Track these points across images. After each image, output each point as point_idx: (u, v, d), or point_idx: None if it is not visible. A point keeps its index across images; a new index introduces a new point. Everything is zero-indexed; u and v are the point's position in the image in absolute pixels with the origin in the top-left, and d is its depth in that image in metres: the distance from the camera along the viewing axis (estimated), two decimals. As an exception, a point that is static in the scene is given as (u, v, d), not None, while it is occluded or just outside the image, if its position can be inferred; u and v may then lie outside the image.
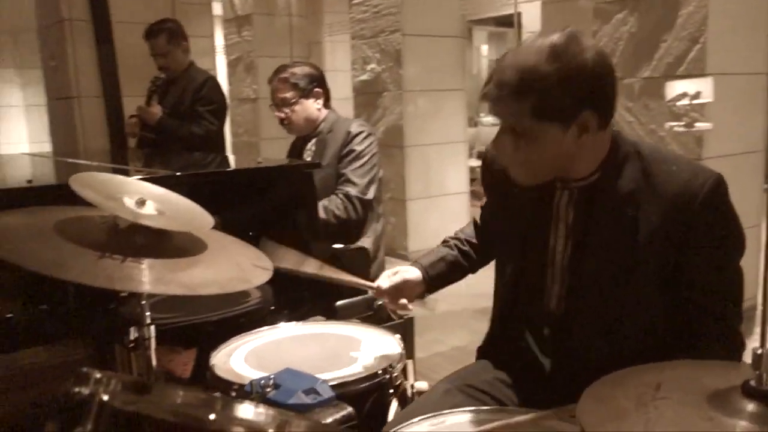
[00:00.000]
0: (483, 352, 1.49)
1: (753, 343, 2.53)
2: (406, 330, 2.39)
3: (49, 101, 4.43)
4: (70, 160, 2.63)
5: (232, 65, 7.32)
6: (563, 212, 1.31)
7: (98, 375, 0.71)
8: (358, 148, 2.55)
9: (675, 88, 3.01)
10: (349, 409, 1.18)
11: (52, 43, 4.11)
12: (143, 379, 0.75)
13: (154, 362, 1.32)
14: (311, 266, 1.50)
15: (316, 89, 2.67)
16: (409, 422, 1.11)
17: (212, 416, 0.66)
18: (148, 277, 1.13)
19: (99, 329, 1.75)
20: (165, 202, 1.33)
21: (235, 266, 1.28)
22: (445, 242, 1.64)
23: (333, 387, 1.25)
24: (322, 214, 2.47)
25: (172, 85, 3.59)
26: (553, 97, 1.15)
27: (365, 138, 2.58)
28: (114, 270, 1.11)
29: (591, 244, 1.27)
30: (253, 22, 7.05)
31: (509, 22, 8.19)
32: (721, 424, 0.65)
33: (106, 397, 0.69)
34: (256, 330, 1.64)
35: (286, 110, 2.65)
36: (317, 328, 1.68)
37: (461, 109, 5.47)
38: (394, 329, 1.67)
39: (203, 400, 0.69)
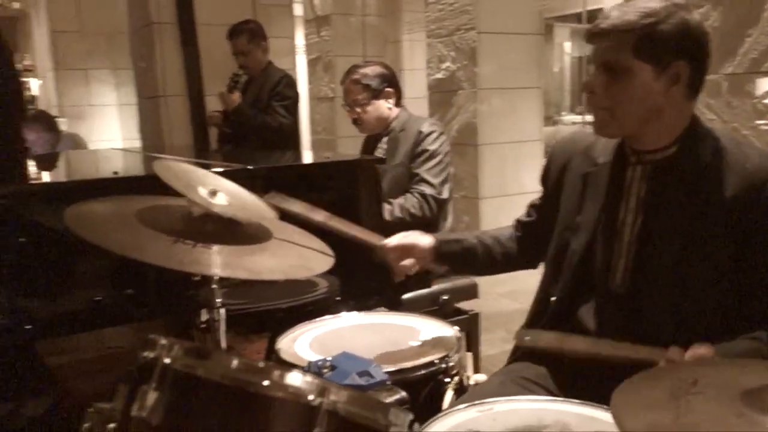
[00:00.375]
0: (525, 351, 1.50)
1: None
2: (470, 325, 2.42)
3: (139, 100, 4.69)
4: (155, 155, 2.80)
5: (311, 64, 7.50)
6: (636, 186, 1.34)
7: (163, 341, 0.78)
8: (431, 148, 2.59)
9: (763, 84, 2.91)
10: (403, 393, 1.23)
11: (142, 45, 4.35)
12: (203, 346, 0.83)
13: (223, 343, 1.41)
14: (320, 215, 1.56)
15: (387, 89, 2.72)
16: (456, 408, 1.14)
17: (266, 382, 0.72)
18: (216, 261, 1.21)
19: (178, 313, 1.86)
20: (235, 194, 1.42)
21: (297, 254, 1.35)
22: (470, 232, 1.68)
23: (389, 373, 1.30)
24: (398, 213, 2.52)
25: (252, 84, 3.76)
26: (655, 37, 1.22)
27: (437, 137, 2.61)
28: (185, 254, 1.19)
29: (661, 217, 1.29)
30: (331, 22, 7.21)
31: (592, 18, 8.03)
32: (751, 421, 0.65)
33: (168, 361, 0.77)
34: (320, 318, 1.71)
35: (358, 110, 2.72)
36: (378, 318, 1.73)
37: (537, 107, 5.41)
38: (455, 322, 1.70)
39: (254, 367, 0.76)
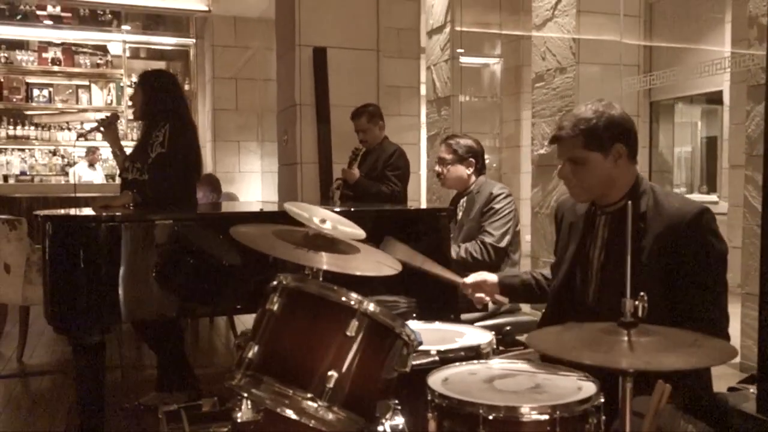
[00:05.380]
0: None
1: None
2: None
3: (279, 167, 5.62)
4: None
5: (431, 140, 8.31)
6: (601, 231, 1.90)
7: (282, 276, 1.48)
8: (497, 207, 3.20)
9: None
10: (436, 358, 1.83)
11: (286, 121, 5.29)
12: (305, 275, 1.50)
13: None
14: (418, 260, 2.14)
15: (470, 159, 3.35)
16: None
17: (334, 295, 1.37)
18: (321, 260, 1.87)
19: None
20: (338, 222, 2.10)
21: (374, 263, 1.99)
22: (528, 272, 2.25)
23: (438, 353, 1.90)
24: (462, 253, 3.13)
25: (369, 155, 4.54)
26: (596, 133, 1.77)
27: (503, 198, 3.22)
28: (300, 254, 1.87)
29: (616, 251, 1.81)
30: (451, 102, 8.02)
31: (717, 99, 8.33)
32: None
33: (284, 282, 1.48)
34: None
35: (443, 168, 3.37)
36: (437, 325, 2.32)
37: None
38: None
39: (329, 287, 1.43)
